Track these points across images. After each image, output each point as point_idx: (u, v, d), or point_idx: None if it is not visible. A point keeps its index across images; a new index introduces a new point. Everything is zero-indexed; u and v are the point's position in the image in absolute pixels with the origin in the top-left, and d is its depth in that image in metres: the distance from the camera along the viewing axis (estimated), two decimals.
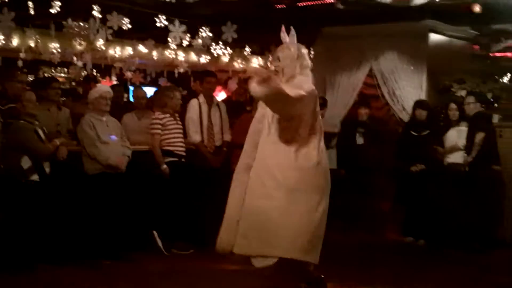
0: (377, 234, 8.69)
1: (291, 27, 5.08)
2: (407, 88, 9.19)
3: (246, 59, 10.62)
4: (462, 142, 8.04)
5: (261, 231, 4.88)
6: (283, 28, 5.13)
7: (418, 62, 9.15)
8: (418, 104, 8.51)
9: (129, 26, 7.89)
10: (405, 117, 8.99)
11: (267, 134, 5.06)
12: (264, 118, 5.12)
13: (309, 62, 5.18)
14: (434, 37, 9.27)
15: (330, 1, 8.34)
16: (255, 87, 4.51)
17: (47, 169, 6.52)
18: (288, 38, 5.07)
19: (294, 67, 5.02)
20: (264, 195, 4.91)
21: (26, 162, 6.35)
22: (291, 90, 4.64)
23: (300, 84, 4.90)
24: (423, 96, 8.98)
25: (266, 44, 10.81)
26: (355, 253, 7.73)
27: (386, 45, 9.36)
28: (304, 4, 8.69)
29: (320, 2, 8.65)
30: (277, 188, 4.88)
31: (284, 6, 8.50)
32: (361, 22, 9.32)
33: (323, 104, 8.92)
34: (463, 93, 8.78)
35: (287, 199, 4.85)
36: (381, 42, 9.40)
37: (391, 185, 9.08)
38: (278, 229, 4.83)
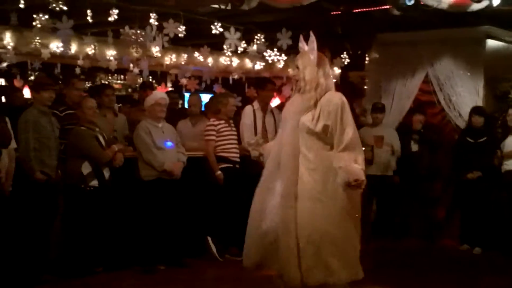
0: (432, 241, 8.55)
1: (311, 33, 4.82)
2: (464, 94, 9.03)
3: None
4: None
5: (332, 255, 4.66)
6: (301, 37, 4.97)
7: (475, 68, 8.99)
8: (475, 110, 8.38)
9: (185, 33, 7.95)
10: (462, 124, 8.84)
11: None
12: None
13: (329, 70, 4.95)
14: (491, 43, 9.10)
15: (385, 7, 8.25)
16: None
17: (106, 175, 6.61)
18: (307, 45, 4.86)
19: (315, 75, 4.75)
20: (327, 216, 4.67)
21: (86, 168, 6.46)
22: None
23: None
24: (480, 102, 8.81)
25: (321, 50, 10.79)
26: (408, 260, 7.66)
27: (442, 51, 9.22)
28: (360, 10, 8.62)
29: (375, 8, 8.57)
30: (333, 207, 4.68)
31: (340, 13, 8.44)
32: (417, 28, 9.22)
33: (381, 109, 8.84)
34: None
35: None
36: (437, 48, 9.26)
37: (447, 192, 8.97)
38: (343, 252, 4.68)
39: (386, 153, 8.61)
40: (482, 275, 7.04)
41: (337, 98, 4.68)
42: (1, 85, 11.30)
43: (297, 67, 4.88)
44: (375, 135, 8.59)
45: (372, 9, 8.62)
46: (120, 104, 9.25)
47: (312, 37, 4.82)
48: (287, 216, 4.64)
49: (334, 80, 11.07)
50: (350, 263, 4.66)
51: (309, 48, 4.83)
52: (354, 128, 4.67)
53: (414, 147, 8.64)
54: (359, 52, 10.64)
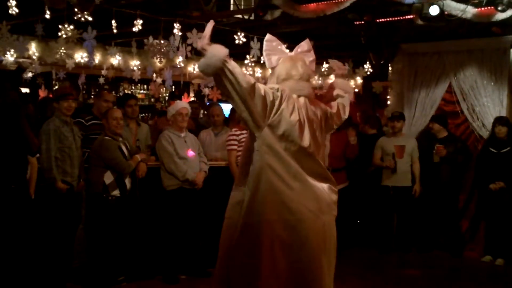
0: (458, 254, 8.46)
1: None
2: (488, 105, 8.95)
3: (323, 76, 10.62)
4: None
5: None
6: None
7: (500, 78, 8.91)
8: (499, 120, 8.30)
9: None
10: (485, 134, 8.76)
11: None
12: None
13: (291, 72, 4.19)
14: None
15: (409, 17, 8.23)
16: None
17: (128, 185, 6.65)
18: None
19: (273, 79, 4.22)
20: None
21: (108, 178, 6.49)
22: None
23: None
24: (504, 112, 8.73)
25: (344, 60, 10.79)
26: (430, 273, 7.60)
27: (466, 61, 9.16)
28: (383, 20, 8.60)
29: (399, 18, 8.54)
30: None
31: (363, 23, 8.43)
32: (441, 38, 9.18)
33: (399, 117, 8.76)
34: None
35: None
36: (461, 58, 9.21)
37: (470, 203, 8.89)
38: None
39: (407, 164, 8.56)
40: (504, 286, 6.96)
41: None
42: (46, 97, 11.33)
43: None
44: (396, 145, 8.55)
45: (396, 19, 8.59)
46: (144, 114, 9.30)
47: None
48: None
49: (356, 90, 11.20)
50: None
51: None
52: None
53: (436, 157, 8.55)
54: (382, 62, 10.63)
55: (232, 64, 3.67)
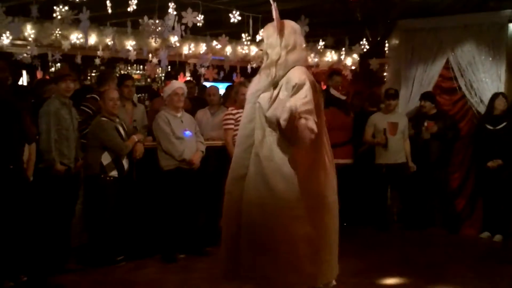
0: (455, 231, 8.50)
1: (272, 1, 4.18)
2: (486, 80, 8.92)
3: (319, 53, 10.58)
4: None
5: None
6: (273, 4, 4.20)
7: (497, 53, 8.87)
8: (498, 94, 8.28)
9: (203, 22, 7.95)
10: (483, 110, 8.74)
11: None
12: None
13: (297, 42, 4.20)
14: None
15: None
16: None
17: (126, 165, 6.66)
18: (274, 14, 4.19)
19: (277, 49, 4.14)
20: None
21: (106, 158, 6.51)
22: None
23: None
24: (502, 88, 8.70)
25: (340, 38, 10.75)
26: (428, 250, 7.63)
27: (463, 37, 9.12)
28: None
29: None
30: None
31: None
32: (437, 14, 9.13)
33: (394, 95, 8.75)
34: None
35: None
36: (458, 34, 9.16)
37: (467, 181, 8.90)
38: None
39: (399, 140, 8.55)
40: (503, 262, 7.00)
41: (297, 77, 4.04)
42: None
43: (262, 40, 4.30)
44: (389, 122, 8.53)
45: None
46: (140, 95, 9.29)
47: (274, 4, 4.16)
48: (228, 201, 4.28)
49: (353, 68, 11.18)
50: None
51: (275, 17, 4.19)
52: (301, 100, 3.96)
53: (426, 134, 8.54)
54: (378, 39, 10.58)
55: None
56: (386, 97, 8.79)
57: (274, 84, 4.13)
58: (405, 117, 8.86)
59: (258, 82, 4.22)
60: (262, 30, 4.22)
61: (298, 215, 4.07)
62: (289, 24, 4.26)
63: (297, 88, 3.98)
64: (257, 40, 8.91)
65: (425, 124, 8.51)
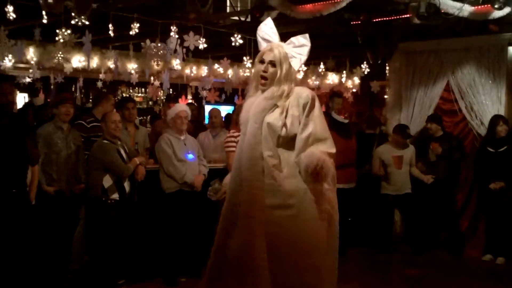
0: (458, 253, 8.46)
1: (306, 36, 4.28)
2: (486, 103, 8.94)
3: (320, 76, 10.63)
4: None
5: None
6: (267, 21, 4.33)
7: (497, 75, 8.90)
8: (499, 118, 8.29)
9: (205, 45, 8.00)
10: (483, 132, 8.73)
11: None
12: None
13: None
14: None
15: (406, 16, 8.23)
16: None
17: (127, 188, 6.65)
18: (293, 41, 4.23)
19: (290, 69, 4.09)
20: None
21: (107, 181, 6.49)
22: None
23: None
24: (502, 110, 8.72)
25: (341, 60, 10.80)
26: (430, 273, 7.60)
27: (464, 59, 9.16)
28: (380, 19, 8.60)
29: (396, 17, 8.54)
30: None
31: (360, 22, 8.42)
32: (438, 36, 9.18)
33: (405, 134, 8.67)
34: None
35: None
36: (459, 56, 9.20)
37: (469, 202, 8.88)
38: None
39: (406, 173, 8.53)
40: (506, 285, 6.96)
41: (307, 92, 4.03)
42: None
43: (271, 63, 4.06)
44: (394, 155, 8.49)
45: (393, 17, 8.59)
46: (142, 117, 9.31)
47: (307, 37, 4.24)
48: (248, 228, 4.05)
49: (354, 90, 11.20)
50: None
51: (294, 44, 4.21)
52: (321, 124, 3.98)
53: (432, 156, 8.54)
54: (379, 61, 10.63)
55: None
56: (395, 131, 8.71)
57: (282, 101, 4.02)
58: (411, 146, 8.78)
59: (263, 100, 4.06)
60: (268, 50, 4.09)
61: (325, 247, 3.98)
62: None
63: (309, 106, 3.94)
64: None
65: (431, 145, 8.51)
